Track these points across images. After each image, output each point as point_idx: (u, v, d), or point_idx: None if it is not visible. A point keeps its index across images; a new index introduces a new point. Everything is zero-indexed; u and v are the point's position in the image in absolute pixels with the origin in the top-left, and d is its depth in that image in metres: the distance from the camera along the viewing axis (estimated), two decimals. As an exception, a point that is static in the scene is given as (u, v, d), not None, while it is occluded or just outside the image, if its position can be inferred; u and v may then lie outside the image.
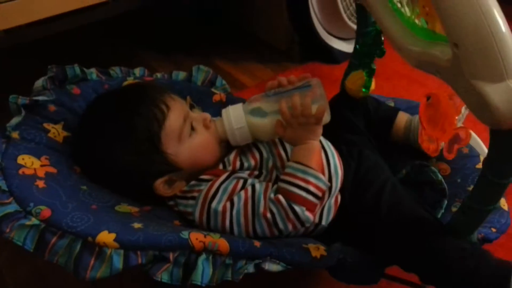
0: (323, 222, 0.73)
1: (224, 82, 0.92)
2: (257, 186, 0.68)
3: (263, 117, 0.72)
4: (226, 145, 0.74)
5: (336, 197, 0.74)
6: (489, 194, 0.58)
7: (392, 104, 0.97)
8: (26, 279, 0.89)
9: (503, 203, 0.75)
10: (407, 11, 0.66)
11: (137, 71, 0.86)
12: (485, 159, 0.57)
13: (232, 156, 0.74)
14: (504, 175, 0.55)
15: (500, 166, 0.54)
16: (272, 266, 0.62)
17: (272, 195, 0.66)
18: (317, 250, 0.67)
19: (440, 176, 0.80)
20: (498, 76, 0.46)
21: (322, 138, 0.77)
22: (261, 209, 0.66)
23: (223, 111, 0.74)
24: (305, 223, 0.66)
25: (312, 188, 0.66)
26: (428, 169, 0.80)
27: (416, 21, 0.66)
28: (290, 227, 0.66)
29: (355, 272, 0.67)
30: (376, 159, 0.80)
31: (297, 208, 0.65)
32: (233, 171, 0.72)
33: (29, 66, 1.03)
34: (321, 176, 0.67)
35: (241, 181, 0.69)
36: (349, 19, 1.46)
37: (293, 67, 1.54)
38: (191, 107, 0.88)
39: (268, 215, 0.65)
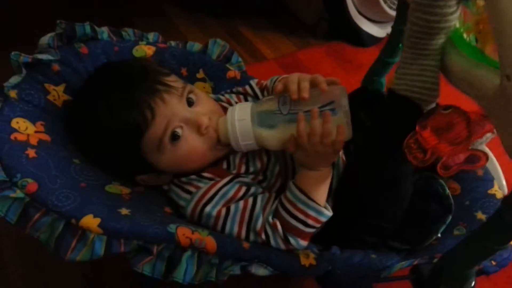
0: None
1: (240, 59, 0.87)
2: (259, 199, 0.65)
3: (272, 127, 0.63)
4: (227, 146, 0.67)
5: None
6: (502, 236, 0.53)
7: None
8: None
9: (509, 236, 0.72)
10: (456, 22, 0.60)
11: (151, 36, 0.81)
12: (506, 200, 0.52)
13: (238, 158, 0.69)
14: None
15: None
16: (259, 270, 0.60)
17: (270, 218, 0.63)
18: (307, 258, 0.65)
19: (447, 190, 0.76)
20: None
21: None
22: (258, 227, 0.63)
23: (228, 119, 0.64)
24: (298, 249, 0.65)
25: (310, 222, 0.63)
26: (436, 181, 0.76)
27: (465, 35, 0.60)
28: (282, 248, 0.64)
29: (342, 285, 0.65)
30: None
31: (291, 239, 0.63)
32: (237, 175, 0.68)
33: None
34: (323, 210, 0.64)
35: (243, 188, 0.66)
36: (385, 2, 1.37)
37: (316, 44, 1.48)
38: (204, 80, 0.84)
39: (263, 235, 0.63)
